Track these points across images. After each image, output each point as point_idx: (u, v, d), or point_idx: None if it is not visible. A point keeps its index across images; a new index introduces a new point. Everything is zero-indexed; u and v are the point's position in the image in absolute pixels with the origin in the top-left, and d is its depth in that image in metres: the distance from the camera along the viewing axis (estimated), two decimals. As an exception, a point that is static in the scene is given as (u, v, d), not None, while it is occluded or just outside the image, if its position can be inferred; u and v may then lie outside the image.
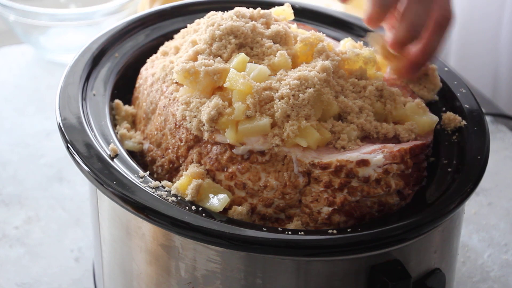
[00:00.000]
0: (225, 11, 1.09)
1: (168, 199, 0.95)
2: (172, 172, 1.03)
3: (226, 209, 0.97)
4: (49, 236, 1.34)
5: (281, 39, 1.05)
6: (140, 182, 0.97)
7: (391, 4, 1.02)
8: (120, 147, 1.01)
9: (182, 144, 1.01)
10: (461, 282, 1.27)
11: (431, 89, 1.10)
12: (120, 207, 0.95)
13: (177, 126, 1.02)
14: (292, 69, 1.02)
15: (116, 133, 1.05)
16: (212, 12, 1.10)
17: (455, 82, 1.11)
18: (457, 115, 1.07)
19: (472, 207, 1.40)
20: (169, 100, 1.04)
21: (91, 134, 1.02)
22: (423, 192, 0.99)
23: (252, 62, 1.02)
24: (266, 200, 0.97)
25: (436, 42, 1.03)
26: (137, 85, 1.14)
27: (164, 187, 0.97)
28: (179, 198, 0.96)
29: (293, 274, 0.94)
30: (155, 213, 0.93)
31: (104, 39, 1.15)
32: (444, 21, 1.03)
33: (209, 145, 1.00)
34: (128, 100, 1.15)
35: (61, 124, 1.02)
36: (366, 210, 0.97)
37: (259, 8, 1.09)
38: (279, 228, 0.93)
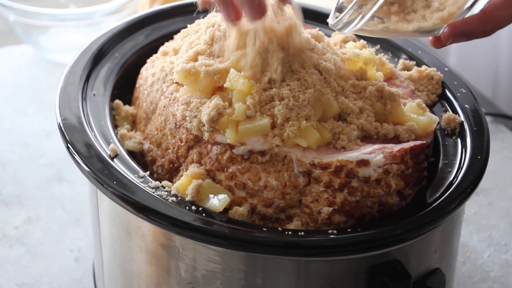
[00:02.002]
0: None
1: (168, 199, 0.95)
2: (172, 172, 1.03)
3: (226, 210, 0.97)
4: (49, 236, 1.34)
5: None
6: (140, 182, 0.97)
7: None
8: (120, 147, 1.01)
9: (182, 144, 1.01)
10: (461, 282, 1.27)
11: (432, 93, 1.10)
12: (120, 207, 0.95)
13: (177, 126, 1.02)
14: (292, 69, 1.02)
15: (116, 133, 1.05)
16: (213, 13, 1.10)
17: (455, 82, 1.12)
18: (457, 115, 1.07)
19: (472, 207, 1.40)
20: (169, 100, 1.04)
21: (91, 134, 1.02)
22: (423, 192, 0.99)
23: (252, 62, 1.02)
24: (266, 200, 0.97)
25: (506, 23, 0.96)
26: (137, 85, 1.14)
27: (164, 187, 0.97)
28: (179, 198, 0.96)
29: (293, 274, 0.94)
30: (155, 213, 0.93)
31: (104, 39, 1.16)
32: None
33: (209, 145, 1.00)
34: (128, 100, 1.15)
35: (61, 124, 1.02)
36: (366, 210, 0.97)
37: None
38: (279, 228, 0.93)
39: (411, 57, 1.16)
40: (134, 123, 1.12)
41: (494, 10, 0.93)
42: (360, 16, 0.95)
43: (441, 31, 0.95)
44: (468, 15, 0.96)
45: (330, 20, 0.98)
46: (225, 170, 0.98)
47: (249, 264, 0.94)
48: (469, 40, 0.95)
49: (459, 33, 0.94)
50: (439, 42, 0.96)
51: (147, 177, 0.98)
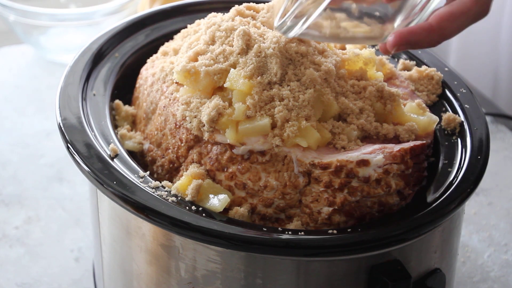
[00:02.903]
0: (225, 12, 1.09)
1: (168, 199, 0.95)
2: (172, 172, 1.03)
3: (227, 210, 0.97)
4: (49, 236, 1.34)
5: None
6: (140, 182, 0.97)
7: None
8: (120, 147, 1.01)
9: (182, 144, 1.01)
10: (461, 282, 1.27)
11: (432, 93, 1.10)
12: (120, 207, 0.95)
13: (177, 126, 1.02)
14: (292, 69, 1.02)
15: (116, 133, 1.05)
16: (213, 14, 1.10)
17: (455, 82, 1.12)
18: (457, 115, 1.07)
19: (472, 207, 1.40)
20: (169, 100, 1.04)
21: (91, 134, 1.02)
22: (423, 192, 0.99)
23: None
24: (266, 200, 0.97)
25: (454, 34, 0.95)
26: (137, 85, 1.14)
27: (164, 187, 0.97)
28: (179, 198, 0.96)
29: (293, 274, 0.94)
30: (155, 213, 0.93)
31: (104, 39, 1.16)
32: (480, 16, 0.94)
33: (209, 145, 1.00)
34: (128, 100, 1.15)
35: (61, 124, 1.02)
36: (366, 210, 0.97)
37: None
38: (279, 228, 0.93)
39: (411, 57, 1.16)
40: (134, 123, 1.12)
41: (440, 21, 0.93)
42: (303, 20, 0.94)
43: (387, 38, 0.95)
44: (414, 23, 0.95)
45: (275, 23, 0.98)
46: (225, 170, 0.98)
47: (249, 264, 0.94)
48: (413, 49, 0.95)
49: (404, 43, 0.93)
50: (386, 50, 0.96)
51: (147, 177, 0.98)
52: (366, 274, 0.95)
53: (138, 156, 1.08)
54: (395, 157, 0.97)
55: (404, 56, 1.17)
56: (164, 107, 1.04)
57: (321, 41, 1.02)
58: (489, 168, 1.02)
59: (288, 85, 0.99)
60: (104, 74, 1.12)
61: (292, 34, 0.96)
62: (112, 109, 1.11)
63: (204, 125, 0.99)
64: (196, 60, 1.03)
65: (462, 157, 1.01)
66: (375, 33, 0.95)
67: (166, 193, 0.96)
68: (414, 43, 0.93)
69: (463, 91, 1.10)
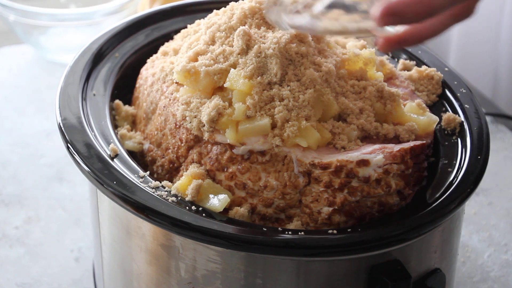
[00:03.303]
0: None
1: (168, 199, 0.95)
2: (172, 172, 1.03)
3: (227, 210, 0.97)
4: (49, 236, 1.34)
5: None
6: (140, 182, 0.97)
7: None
8: (120, 147, 1.01)
9: (182, 144, 1.01)
10: (461, 282, 1.27)
11: (432, 93, 1.10)
12: (120, 207, 0.95)
13: (177, 126, 1.02)
14: (292, 69, 1.02)
15: (116, 133, 1.05)
16: (213, 14, 1.10)
17: (455, 82, 1.12)
18: (457, 115, 1.07)
19: (472, 207, 1.40)
20: (169, 100, 1.04)
21: (91, 134, 1.02)
22: (423, 192, 0.99)
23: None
24: (266, 200, 0.97)
25: (440, 31, 0.94)
26: (137, 85, 1.14)
27: (164, 187, 0.97)
28: (179, 198, 0.96)
29: (293, 274, 0.94)
30: (155, 213, 0.93)
31: (104, 39, 1.16)
32: (462, 16, 0.90)
33: (209, 145, 1.00)
34: (128, 100, 1.15)
35: (61, 124, 1.02)
36: (366, 210, 0.97)
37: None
38: (279, 228, 0.93)
39: (411, 57, 1.16)
40: (134, 123, 1.12)
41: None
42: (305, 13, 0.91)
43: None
44: None
45: (268, 12, 0.94)
46: (225, 170, 0.98)
47: (249, 264, 0.94)
48: (403, 23, 0.91)
49: (391, 12, 0.86)
50: (386, 45, 0.93)
51: (147, 177, 0.98)
52: (366, 274, 0.95)
53: (138, 156, 1.08)
54: (395, 157, 0.97)
55: (404, 56, 1.17)
56: (164, 107, 1.04)
57: (313, 34, 1.01)
58: (489, 168, 1.01)
59: (288, 85, 0.99)
60: (104, 74, 1.12)
61: (284, 23, 0.92)
62: (112, 109, 1.11)
63: (204, 125, 0.99)
64: (196, 60, 1.03)
65: (462, 157, 1.01)
66: (366, 24, 0.93)
67: (166, 193, 0.96)
68: (400, 13, 0.87)
69: (463, 91, 1.10)
